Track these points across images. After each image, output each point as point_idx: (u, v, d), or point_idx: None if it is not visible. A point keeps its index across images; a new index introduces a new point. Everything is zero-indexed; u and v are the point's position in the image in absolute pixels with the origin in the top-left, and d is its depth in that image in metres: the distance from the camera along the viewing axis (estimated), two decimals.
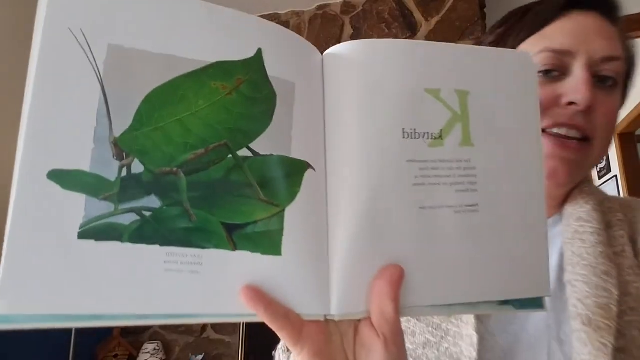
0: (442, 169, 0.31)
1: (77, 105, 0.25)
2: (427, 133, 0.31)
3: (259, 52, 0.29)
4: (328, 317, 0.29)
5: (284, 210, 0.28)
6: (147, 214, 0.26)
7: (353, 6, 2.26)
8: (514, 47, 0.47)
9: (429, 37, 2.00)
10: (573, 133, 0.43)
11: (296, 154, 0.30)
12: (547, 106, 0.43)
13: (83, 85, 0.26)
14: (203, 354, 2.07)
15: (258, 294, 0.26)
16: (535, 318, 0.41)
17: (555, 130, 0.43)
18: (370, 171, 0.30)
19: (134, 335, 2.18)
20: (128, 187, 0.26)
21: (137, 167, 0.26)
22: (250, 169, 0.28)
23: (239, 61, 0.29)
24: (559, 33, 0.44)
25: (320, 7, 2.36)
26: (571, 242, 0.43)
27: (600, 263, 0.40)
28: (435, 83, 0.32)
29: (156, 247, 0.26)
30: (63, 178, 0.25)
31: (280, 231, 0.28)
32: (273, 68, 0.30)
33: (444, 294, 0.30)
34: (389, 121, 0.31)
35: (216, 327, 2.15)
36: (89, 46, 0.26)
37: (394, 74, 0.31)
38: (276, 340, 0.39)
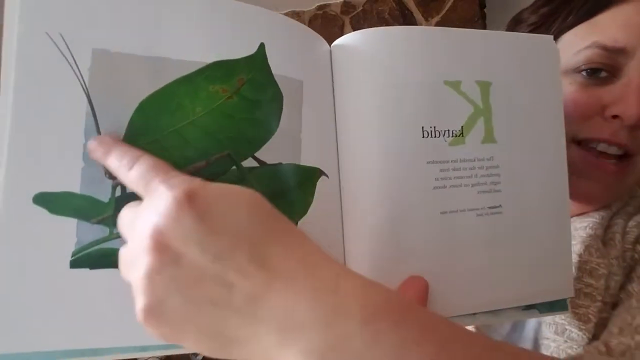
0: (464, 169, 0.28)
1: (62, 121, 0.23)
2: (448, 130, 0.28)
3: (262, 48, 0.26)
4: None
5: (296, 224, 0.26)
6: None
7: (353, 6, 2.22)
8: (559, 34, 0.39)
9: None
10: (613, 150, 0.37)
11: (307, 160, 0.27)
12: (589, 115, 0.36)
13: (67, 97, 0.23)
14: None
15: None
16: (524, 322, 0.39)
17: (592, 145, 0.37)
18: (388, 176, 0.27)
19: None
20: (123, 208, 0.23)
21: None
22: (257, 181, 0.25)
23: (239, 59, 0.26)
24: (613, 25, 0.36)
25: (320, 7, 2.30)
26: None
27: (586, 260, 0.35)
28: (455, 75, 0.29)
29: None
30: (51, 201, 0.22)
31: None
32: (278, 65, 0.26)
33: (468, 303, 0.28)
34: (407, 119, 0.28)
35: None
36: (70, 53, 0.23)
37: (410, 67, 0.28)
38: None
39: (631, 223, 0.37)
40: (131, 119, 0.24)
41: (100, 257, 0.23)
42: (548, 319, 0.35)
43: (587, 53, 0.36)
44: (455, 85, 0.29)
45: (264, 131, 0.26)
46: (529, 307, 0.30)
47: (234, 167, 0.25)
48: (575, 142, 0.37)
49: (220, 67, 0.25)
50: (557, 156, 0.31)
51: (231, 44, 0.26)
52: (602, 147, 0.37)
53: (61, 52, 0.23)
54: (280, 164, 0.26)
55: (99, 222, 0.23)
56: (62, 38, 0.23)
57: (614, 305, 0.34)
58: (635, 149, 0.37)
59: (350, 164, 0.28)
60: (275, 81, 0.26)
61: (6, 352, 0.21)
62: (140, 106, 0.24)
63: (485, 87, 0.29)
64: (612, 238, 0.37)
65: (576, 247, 0.36)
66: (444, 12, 2.03)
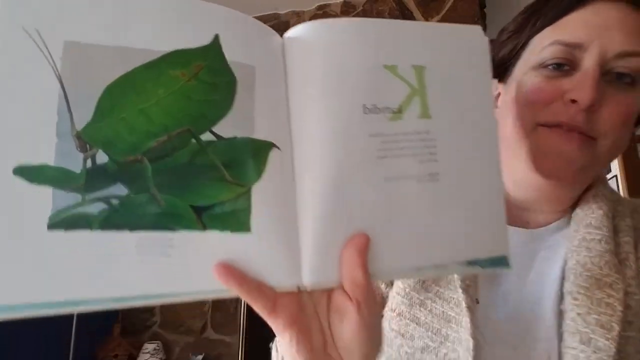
0: (403, 141, 0.32)
1: (38, 103, 0.26)
2: (387, 108, 0.32)
3: (217, 38, 0.30)
4: (300, 288, 0.29)
5: (250, 189, 0.29)
6: (115, 202, 0.27)
7: (353, 6, 2.26)
8: (530, 37, 0.44)
9: None
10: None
11: (259, 134, 0.30)
12: (550, 101, 0.40)
13: (42, 83, 0.26)
14: (203, 354, 2.08)
15: (230, 270, 0.27)
16: (535, 331, 0.40)
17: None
18: (335, 147, 0.31)
19: (134, 335, 2.19)
20: (94, 178, 0.27)
21: (102, 158, 0.27)
22: (215, 153, 0.29)
23: (196, 48, 0.29)
24: (574, 24, 0.41)
25: (320, 7, 2.37)
26: (577, 249, 0.41)
27: (606, 274, 0.38)
28: (393, 60, 0.33)
29: (126, 232, 0.27)
30: (29, 173, 0.25)
31: (247, 209, 0.29)
32: (232, 53, 0.30)
33: (412, 257, 0.31)
34: (350, 98, 0.31)
35: (216, 327, 2.16)
36: (45, 44, 0.26)
37: (353, 53, 0.32)
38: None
39: None
40: (99, 100, 0.27)
41: (74, 220, 0.26)
42: (571, 328, 0.37)
43: (550, 49, 0.41)
44: (392, 68, 0.33)
45: (220, 110, 0.29)
46: (471, 263, 0.33)
47: (193, 140, 0.29)
48: (540, 125, 0.41)
49: (179, 55, 0.29)
50: (488, 128, 0.35)
51: (189, 35, 0.29)
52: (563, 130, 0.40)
53: (36, 44, 0.26)
54: (235, 137, 0.30)
55: (72, 190, 0.26)
56: (38, 32, 0.26)
57: None
58: (594, 134, 0.40)
59: (302, 138, 0.31)
60: (229, 67, 0.30)
61: None
62: (107, 89, 0.27)
63: (420, 70, 0.33)
64: (627, 258, 0.40)
65: (595, 260, 0.39)
66: (444, 12, 2.02)
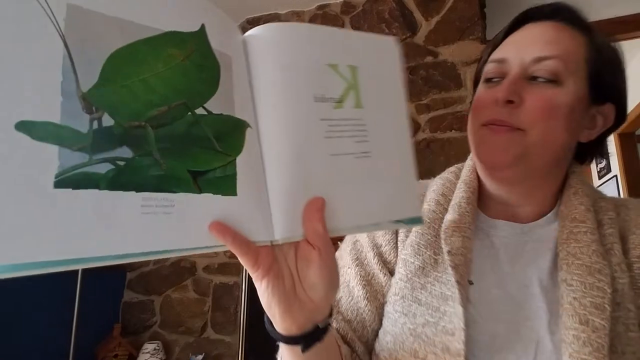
0: (344, 125, 0.41)
1: (41, 60, 0.26)
2: (332, 98, 0.41)
3: (203, 27, 0.34)
4: (273, 242, 0.36)
5: (235, 159, 0.34)
6: (121, 163, 0.28)
7: (353, 6, 2.22)
8: (486, 60, 0.53)
9: (429, 36, 2.02)
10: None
11: (238, 114, 0.36)
12: (486, 105, 0.49)
13: (45, 40, 0.26)
14: (203, 354, 2.07)
15: (225, 228, 0.32)
16: (525, 310, 0.45)
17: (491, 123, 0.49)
18: (292, 128, 0.38)
19: (134, 335, 2.17)
20: (100, 139, 0.28)
21: (108, 121, 0.28)
22: (206, 125, 0.33)
23: (188, 33, 0.33)
24: (505, 45, 0.51)
25: (320, 7, 2.29)
26: (566, 242, 0.46)
27: (594, 262, 0.42)
28: (334, 59, 0.41)
29: (132, 193, 0.29)
30: (32, 129, 0.25)
31: (234, 176, 0.34)
32: (214, 41, 0.35)
33: (356, 217, 0.40)
34: (304, 89, 0.39)
35: (216, 327, 2.12)
36: (48, 5, 0.26)
37: (303, 51, 0.40)
38: (276, 340, 0.42)
39: (634, 238, 0.46)
40: (103, 66, 0.28)
41: (82, 179, 0.27)
42: (569, 311, 0.41)
43: (487, 67, 0.51)
44: (334, 67, 0.41)
45: (209, 88, 0.34)
46: (398, 222, 0.43)
47: (189, 113, 0.32)
48: (482, 125, 0.49)
49: (174, 36, 0.32)
50: (401, 118, 0.45)
51: (181, 20, 0.33)
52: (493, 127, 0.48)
53: (39, 3, 0.26)
54: (222, 114, 0.34)
55: (79, 150, 0.27)
56: None
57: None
58: (521, 125, 0.46)
59: (265, 120, 0.37)
60: (213, 53, 0.35)
61: (3, 263, 0.23)
62: (110, 57, 0.29)
63: (354, 69, 0.43)
64: (612, 248, 0.45)
65: (584, 249, 0.44)
66: (444, 12, 2.03)
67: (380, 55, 0.45)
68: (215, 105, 0.34)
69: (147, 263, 2.35)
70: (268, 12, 2.36)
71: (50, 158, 0.26)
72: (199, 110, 0.33)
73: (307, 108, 0.39)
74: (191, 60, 0.33)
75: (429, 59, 1.99)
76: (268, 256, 0.35)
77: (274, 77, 0.38)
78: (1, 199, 0.24)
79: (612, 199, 0.51)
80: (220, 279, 2.19)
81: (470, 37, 1.94)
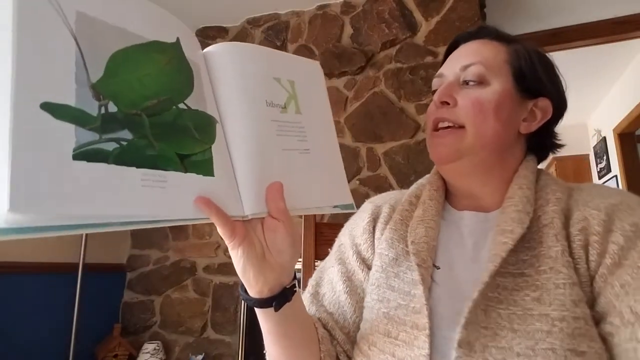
0: (289, 126, 0.50)
1: (58, 53, 0.31)
2: (278, 104, 0.50)
3: (178, 40, 0.41)
4: (244, 217, 0.43)
5: (210, 147, 0.41)
6: (124, 143, 0.34)
7: (353, 6, 2.19)
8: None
9: (429, 37, 2.04)
10: (445, 124, 0.57)
11: (209, 111, 0.43)
12: (430, 111, 0.59)
13: (60, 38, 0.31)
14: (203, 354, 2.07)
15: (209, 202, 0.38)
16: (465, 274, 0.53)
17: (438, 126, 0.58)
18: (251, 125, 0.46)
19: (134, 335, 2.18)
20: (107, 122, 0.33)
21: (112, 108, 0.33)
22: (187, 118, 0.40)
23: (168, 42, 0.40)
24: (445, 63, 0.62)
25: (320, 7, 2.25)
26: (500, 217, 0.53)
27: (509, 224, 0.50)
28: (277, 74, 0.51)
29: (134, 168, 0.34)
30: (54, 109, 0.30)
31: (211, 160, 0.40)
32: (187, 52, 0.42)
33: (304, 201, 0.49)
34: (259, 95, 0.48)
35: (216, 327, 2.11)
36: (61, 10, 0.32)
37: (253, 65, 0.49)
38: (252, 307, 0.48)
39: (577, 214, 0.51)
40: (107, 65, 0.34)
41: (94, 154, 0.31)
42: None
43: (433, 81, 0.62)
44: (278, 80, 0.51)
45: (187, 88, 0.40)
46: (336, 207, 0.52)
47: (174, 107, 0.38)
48: (433, 131, 0.59)
49: (158, 44, 0.39)
50: (329, 124, 0.56)
51: (161, 32, 0.40)
52: (438, 126, 0.58)
53: (54, 8, 0.31)
54: (198, 110, 0.41)
55: (91, 129, 0.32)
56: (57, 1, 0.31)
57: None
58: (460, 122, 0.55)
59: (228, 119, 0.45)
60: (187, 61, 0.42)
61: (29, 225, 0.27)
62: (112, 56, 0.34)
63: (292, 83, 0.53)
64: (551, 222, 0.50)
65: (505, 217, 0.51)
66: (444, 12, 2.02)
67: (310, 73, 0.56)
68: (192, 102, 0.41)
69: (147, 263, 2.27)
70: (268, 12, 2.34)
71: (70, 134, 0.30)
72: (182, 105, 0.39)
73: (262, 110, 0.47)
74: (171, 65, 0.40)
75: (429, 59, 2.02)
76: (242, 228, 0.42)
77: (233, 84, 0.46)
78: (30, 167, 0.28)
79: (569, 184, 0.57)
80: (220, 279, 2.15)
81: None
